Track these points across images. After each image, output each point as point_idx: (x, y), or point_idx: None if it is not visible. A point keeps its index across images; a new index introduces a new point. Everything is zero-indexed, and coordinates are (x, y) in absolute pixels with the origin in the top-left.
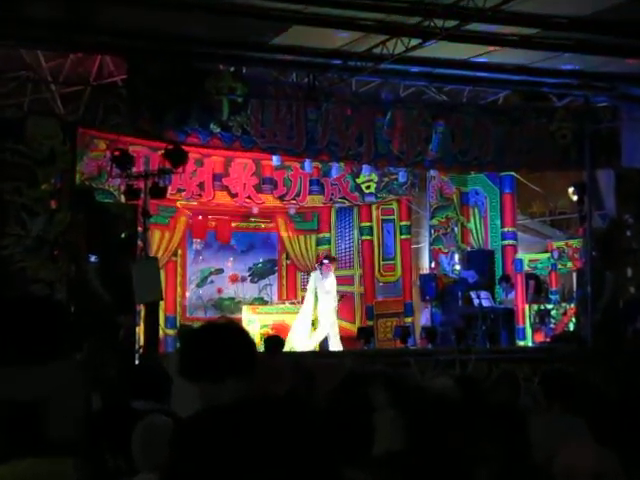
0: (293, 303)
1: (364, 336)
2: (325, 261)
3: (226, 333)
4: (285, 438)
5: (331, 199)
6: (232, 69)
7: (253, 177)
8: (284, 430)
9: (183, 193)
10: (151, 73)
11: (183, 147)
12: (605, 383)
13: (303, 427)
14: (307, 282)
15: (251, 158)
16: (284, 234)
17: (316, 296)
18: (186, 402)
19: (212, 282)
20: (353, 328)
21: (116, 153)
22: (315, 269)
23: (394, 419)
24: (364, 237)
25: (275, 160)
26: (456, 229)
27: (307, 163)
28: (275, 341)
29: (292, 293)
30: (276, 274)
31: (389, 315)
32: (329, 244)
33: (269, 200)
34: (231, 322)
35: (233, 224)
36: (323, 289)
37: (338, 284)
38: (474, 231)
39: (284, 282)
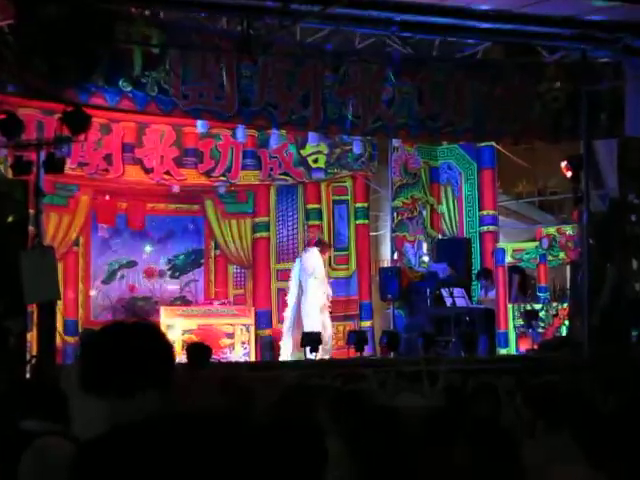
0: (224, 304)
1: (310, 343)
2: (315, 248)
3: (137, 335)
4: (210, 463)
5: (270, 175)
6: (147, 12)
7: (173, 148)
8: (208, 454)
9: (85, 167)
10: (45, 16)
11: (85, 110)
12: (603, 399)
13: (232, 450)
14: (240, 278)
15: (170, 124)
16: (212, 218)
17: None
18: (89, 422)
19: (122, 278)
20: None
21: (1, 117)
22: (299, 255)
23: (340, 445)
24: (311, 222)
25: (200, 126)
26: (424, 212)
27: (240, 130)
28: (200, 350)
29: (222, 291)
30: (202, 268)
31: (341, 318)
32: (267, 230)
33: (193, 176)
34: (143, 322)
35: (148, 206)
36: (306, 273)
37: (280, 280)
38: (446, 215)
39: (212, 278)
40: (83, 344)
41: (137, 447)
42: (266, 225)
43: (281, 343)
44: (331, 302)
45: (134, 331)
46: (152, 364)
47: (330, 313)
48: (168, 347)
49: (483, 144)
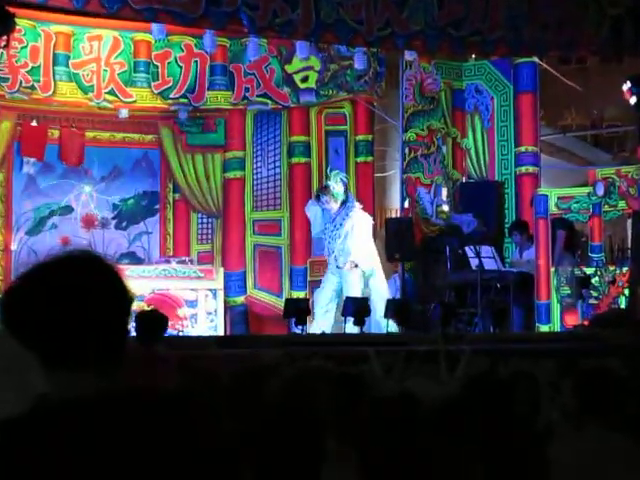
0: (184, 262)
1: (295, 314)
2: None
3: (77, 276)
4: (163, 451)
5: (245, 98)
6: None
7: (119, 61)
8: (161, 442)
9: (6, 84)
10: None
11: (7, 7)
12: None
13: (187, 437)
14: (206, 230)
15: (116, 29)
16: (170, 152)
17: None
18: (5, 398)
19: (53, 228)
20: (278, 302)
21: None
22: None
23: (340, 442)
24: (296, 159)
25: (156, 32)
26: (444, 148)
27: (207, 38)
28: (153, 321)
29: (183, 247)
30: (157, 217)
31: None
32: (242, 169)
33: (145, 98)
34: (88, 255)
35: (87, 135)
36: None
37: (257, 233)
38: (472, 151)
39: (170, 229)
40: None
41: (65, 430)
42: (240, 162)
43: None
44: (318, 261)
45: (75, 273)
46: (103, 324)
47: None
48: (126, 297)
49: (521, 60)
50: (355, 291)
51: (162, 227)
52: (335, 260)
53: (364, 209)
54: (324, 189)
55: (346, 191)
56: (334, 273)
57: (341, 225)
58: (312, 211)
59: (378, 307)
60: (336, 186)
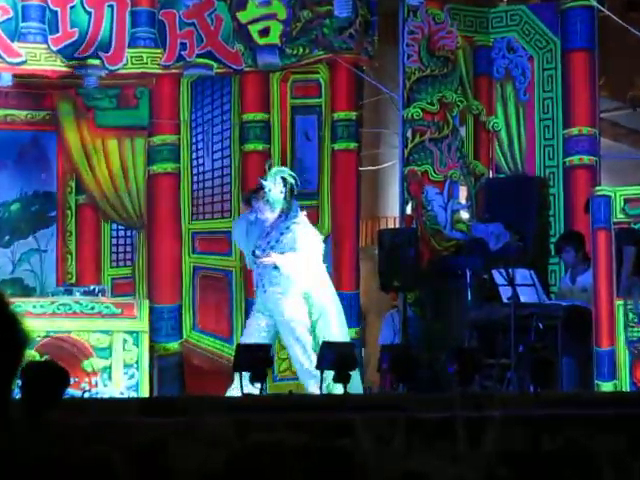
0: (92, 293)
1: (251, 366)
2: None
3: None
4: None
5: (181, 58)
6: None
7: (1, 4)
8: None
9: None
10: None
11: None
12: None
13: None
14: (125, 246)
15: None
16: (72, 136)
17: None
18: None
19: None
20: (227, 350)
21: None
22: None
23: None
24: (252, 146)
25: None
26: (463, 130)
27: None
28: (48, 376)
29: (90, 271)
30: (53, 228)
31: None
32: (176, 161)
33: (38, 57)
34: None
35: None
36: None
37: (198, 252)
38: (503, 135)
39: (72, 246)
40: None
41: None
42: (172, 150)
43: None
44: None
45: None
46: None
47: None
48: (15, 339)
49: (573, 3)
50: (296, 313)
51: (60, 243)
52: (264, 291)
53: (343, 218)
54: (256, 191)
55: (289, 196)
56: (264, 311)
57: (277, 242)
58: (237, 225)
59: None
60: (274, 188)
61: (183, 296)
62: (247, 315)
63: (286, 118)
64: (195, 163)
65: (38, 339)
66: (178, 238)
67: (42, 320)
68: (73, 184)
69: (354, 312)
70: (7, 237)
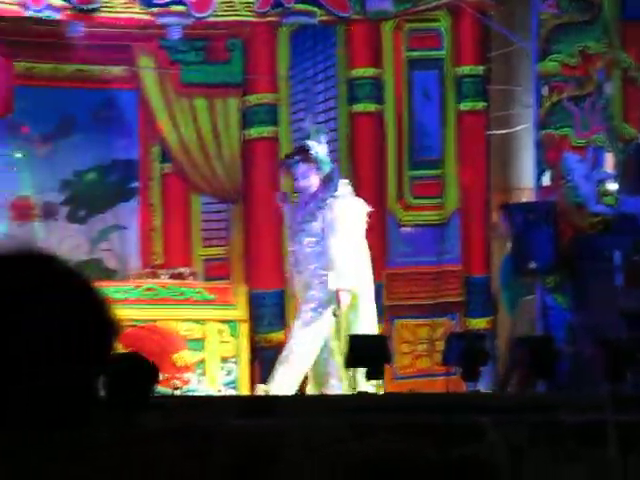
0: (180, 276)
1: (365, 361)
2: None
3: (17, 292)
4: None
5: (278, 4)
6: None
7: None
8: None
9: None
10: None
11: None
12: None
13: None
14: (219, 222)
15: None
16: (155, 96)
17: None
18: None
19: None
20: None
21: None
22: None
23: None
24: (362, 106)
25: None
26: (609, 87)
27: None
28: (135, 372)
29: (178, 251)
30: (135, 201)
31: (424, 310)
32: (274, 124)
33: (114, 4)
34: (37, 255)
35: (18, 68)
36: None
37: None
38: None
39: (157, 222)
40: None
41: None
42: (270, 111)
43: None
44: (397, 274)
45: (14, 286)
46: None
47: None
48: (105, 328)
49: None
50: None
51: (143, 219)
52: (310, 285)
53: (471, 190)
54: (301, 152)
55: (331, 162)
56: (318, 316)
57: (312, 217)
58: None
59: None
60: (320, 147)
61: (285, 279)
62: None
63: (401, 74)
64: (296, 126)
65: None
66: (279, 212)
67: (125, 307)
68: (157, 151)
69: (485, 299)
70: (82, 212)
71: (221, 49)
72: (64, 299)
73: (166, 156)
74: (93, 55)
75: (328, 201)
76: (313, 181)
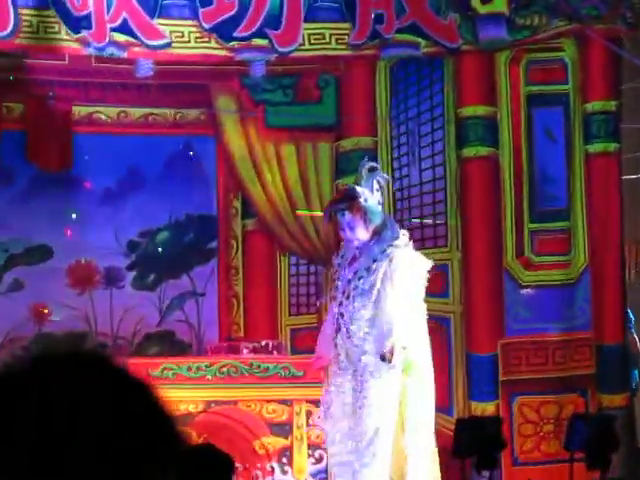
0: (266, 349)
1: (477, 449)
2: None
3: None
4: None
5: (376, 35)
6: None
7: None
8: None
9: None
10: None
11: None
12: None
13: None
14: (310, 285)
15: None
16: (235, 141)
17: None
18: None
19: (17, 287)
20: (445, 424)
21: None
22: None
23: None
24: (473, 149)
25: None
26: None
27: None
28: (211, 464)
29: (264, 321)
30: (214, 264)
31: (550, 383)
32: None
33: (187, 38)
34: (95, 359)
35: (78, 112)
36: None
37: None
38: None
39: (239, 288)
40: None
41: None
42: (368, 157)
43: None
44: (516, 343)
45: (67, 399)
46: None
47: None
48: (166, 445)
49: None
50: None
51: (223, 284)
52: (352, 344)
53: (603, 244)
54: (347, 199)
55: (383, 213)
56: (348, 378)
57: (368, 272)
58: None
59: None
60: (371, 196)
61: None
62: (470, 375)
63: (520, 112)
64: (397, 174)
65: (195, 413)
66: None
67: (200, 388)
68: (239, 205)
69: (622, 370)
70: (152, 276)
71: (311, 87)
72: (118, 422)
73: (249, 211)
74: (164, 97)
75: (388, 251)
76: (361, 234)
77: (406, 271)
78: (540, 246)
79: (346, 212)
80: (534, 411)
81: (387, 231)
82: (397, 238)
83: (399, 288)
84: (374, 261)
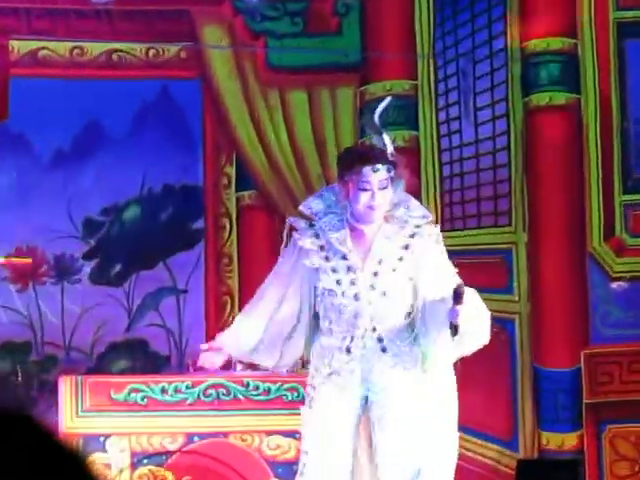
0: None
1: None
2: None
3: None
4: None
5: None
6: None
7: None
8: None
9: None
10: None
11: None
12: None
13: None
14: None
15: None
16: (229, 87)
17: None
18: None
19: None
20: (502, 459)
21: None
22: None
23: None
24: (544, 97)
25: None
26: None
27: None
28: None
29: None
30: (200, 249)
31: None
32: (410, 127)
33: None
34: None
35: (15, 48)
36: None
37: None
38: None
39: (233, 282)
40: None
41: None
42: (404, 107)
43: None
44: (606, 357)
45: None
46: None
47: None
48: None
49: None
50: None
51: (212, 277)
52: (369, 351)
53: None
54: (383, 155)
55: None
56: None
57: (400, 260)
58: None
59: None
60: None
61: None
62: (541, 399)
63: (607, 46)
64: (445, 129)
65: (174, 449)
66: None
67: (179, 416)
68: (232, 172)
69: None
70: (117, 267)
71: (327, 14)
72: None
73: (246, 180)
74: (132, 28)
75: (421, 232)
76: (379, 201)
77: (434, 248)
78: (636, 225)
79: (389, 172)
80: (631, 444)
81: (410, 210)
82: (427, 217)
83: (451, 269)
84: (405, 248)
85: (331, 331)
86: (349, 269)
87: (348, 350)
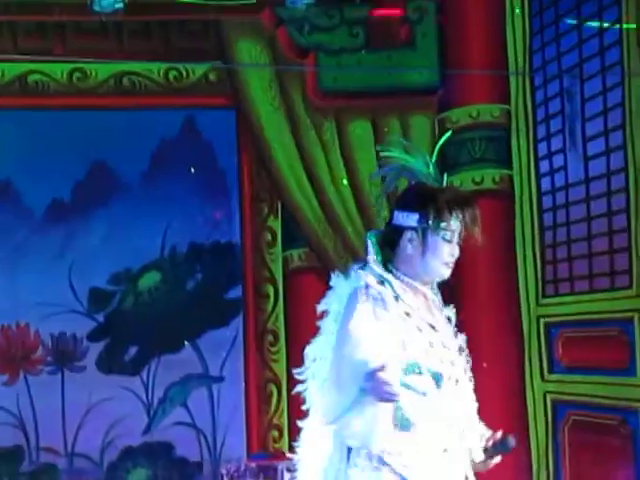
0: None
1: None
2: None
3: None
4: None
5: None
6: None
7: None
8: None
9: None
10: None
11: None
12: None
13: None
14: None
15: None
16: (270, 115)
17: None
18: None
19: None
20: None
21: None
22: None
23: None
24: None
25: None
26: None
27: None
28: None
29: None
30: (237, 325)
31: None
32: (503, 164)
33: None
34: None
35: (3, 72)
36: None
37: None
38: None
39: (281, 367)
40: None
41: None
42: (495, 139)
43: None
44: None
45: None
46: None
47: None
48: None
49: None
50: None
51: (254, 360)
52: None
53: None
54: (460, 200)
55: None
56: None
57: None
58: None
59: None
60: None
61: None
62: None
63: None
64: (545, 167)
65: None
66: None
67: None
68: (277, 226)
69: None
70: (133, 350)
71: (395, 22)
72: None
73: (294, 235)
74: (147, 45)
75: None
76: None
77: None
78: None
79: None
80: None
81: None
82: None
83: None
84: (449, 320)
85: None
86: None
87: None
